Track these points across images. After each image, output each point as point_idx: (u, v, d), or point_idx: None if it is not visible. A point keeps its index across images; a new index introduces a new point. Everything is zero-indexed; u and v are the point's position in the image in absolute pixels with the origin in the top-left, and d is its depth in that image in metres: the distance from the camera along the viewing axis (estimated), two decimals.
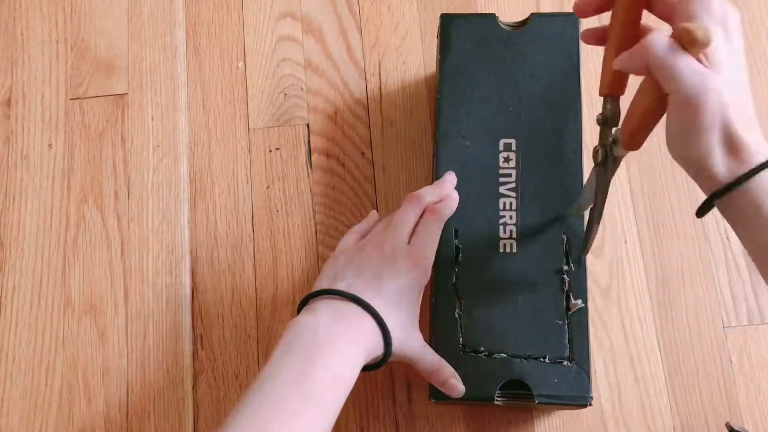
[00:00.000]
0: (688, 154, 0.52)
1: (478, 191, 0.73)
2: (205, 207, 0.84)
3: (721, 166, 0.51)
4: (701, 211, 0.54)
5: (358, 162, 0.84)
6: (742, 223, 0.53)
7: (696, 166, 0.52)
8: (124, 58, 0.89)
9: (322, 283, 0.67)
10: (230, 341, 0.79)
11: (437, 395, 0.68)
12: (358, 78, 0.88)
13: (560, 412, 0.76)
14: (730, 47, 0.51)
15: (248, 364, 0.78)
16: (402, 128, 0.85)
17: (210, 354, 0.79)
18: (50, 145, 0.86)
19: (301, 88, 0.88)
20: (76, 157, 0.86)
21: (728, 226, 0.79)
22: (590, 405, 0.68)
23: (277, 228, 0.83)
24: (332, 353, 0.58)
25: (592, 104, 0.82)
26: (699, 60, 0.50)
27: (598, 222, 0.66)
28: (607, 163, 0.61)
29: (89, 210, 0.84)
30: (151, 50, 0.90)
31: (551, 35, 0.76)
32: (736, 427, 0.72)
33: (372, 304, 0.62)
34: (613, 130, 0.59)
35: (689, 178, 0.81)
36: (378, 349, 0.62)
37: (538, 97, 0.74)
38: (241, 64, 0.89)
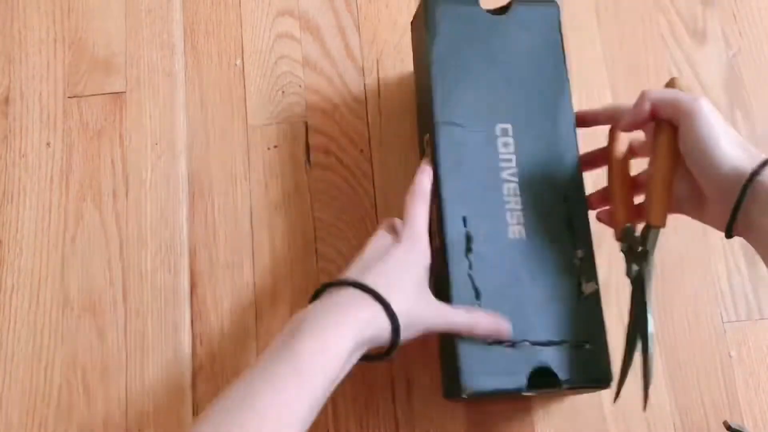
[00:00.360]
0: (711, 157, 0.61)
1: (481, 178, 0.71)
2: (203, 204, 0.84)
3: (743, 160, 0.59)
4: (729, 230, 0.62)
5: (356, 159, 0.84)
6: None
7: (718, 171, 0.60)
8: (122, 56, 0.89)
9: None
10: (229, 339, 0.79)
11: (449, 393, 0.68)
12: (356, 75, 0.88)
13: (560, 406, 0.76)
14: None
15: (247, 361, 0.78)
16: (400, 125, 0.85)
17: (209, 352, 0.79)
18: (48, 144, 0.86)
19: (299, 86, 0.88)
20: (74, 156, 0.86)
21: None
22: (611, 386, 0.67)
23: (276, 225, 0.83)
24: (320, 330, 0.58)
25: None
26: None
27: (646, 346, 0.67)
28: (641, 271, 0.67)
29: (87, 208, 0.84)
30: (148, 48, 0.90)
31: (533, 21, 0.76)
32: (734, 426, 0.72)
33: (365, 282, 0.62)
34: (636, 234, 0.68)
35: None
36: (382, 324, 0.61)
37: (526, 81, 0.74)
38: (238, 61, 0.89)
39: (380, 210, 0.82)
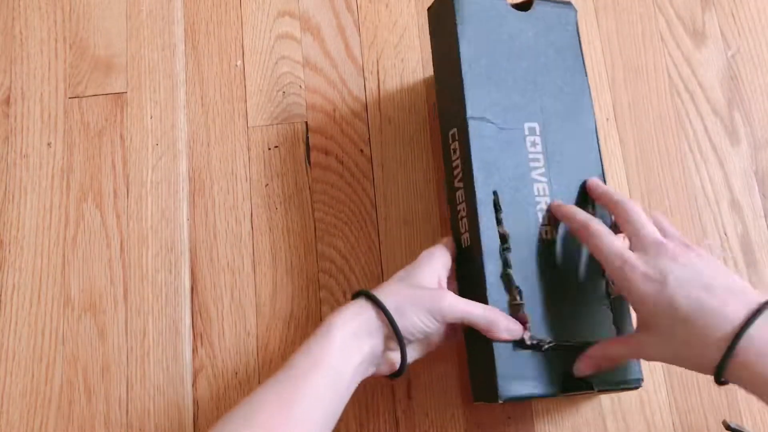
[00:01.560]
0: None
1: (512, 177, 0.70)
2: (204, 204, 0.84)
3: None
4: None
5: (356, 159, 0.84)
6: (753, 388, 0.56)
7: (688, 362, 0.59)
8: (123, 56, 0.90)
9: None
10: (229, 339, 0.79)
11: (481, 397, 0.68)
12: (357, 76, 0.88)
13: (559, 405, 0.76)
14: (672, 258, 0.60)
15: (248, 361, 0.78)
16: (400, 125, 0.86)
17: (209, 351, 0.79)
18: (49, 144, 0.86)
19: (300, 86, 0.88)
20: (75, 156, 0.86)
21: (726, 222, 0.81)
22: (641, 386, 0.68)
23: (276, 225, 0.83)
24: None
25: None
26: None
27: None
28: None
29: (88, 208, 0.84)
30: (149, 49, 0.90)
31: (552, 20, 0.76)
32: (732, 425, 0.72)
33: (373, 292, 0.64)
34: None
35: (684, 177, 0.82)
36: (370, 313, 0.63)
37: (549, 80, 0.74)
38: (239, 62, 0.89)
39: (380, 210, 0.82)
